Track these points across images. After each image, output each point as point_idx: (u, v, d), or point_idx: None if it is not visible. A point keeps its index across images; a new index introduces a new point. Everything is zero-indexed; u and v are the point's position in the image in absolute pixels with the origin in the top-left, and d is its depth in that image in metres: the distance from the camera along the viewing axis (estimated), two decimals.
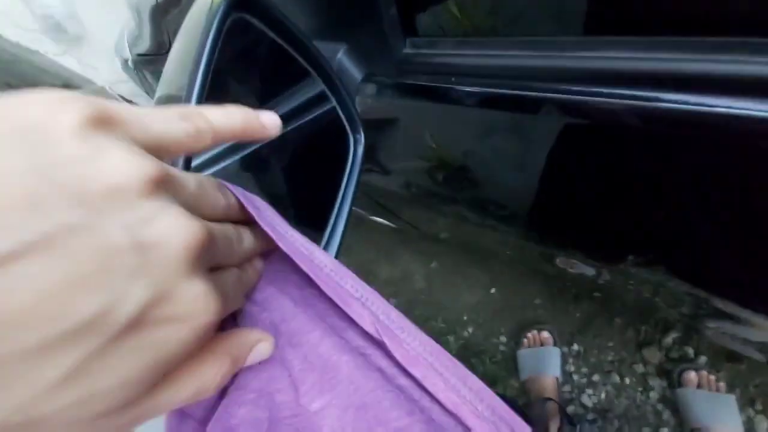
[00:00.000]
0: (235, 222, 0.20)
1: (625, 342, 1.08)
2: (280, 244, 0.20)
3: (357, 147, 0.45)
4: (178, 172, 0.15)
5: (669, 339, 1.04)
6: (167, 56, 0.91)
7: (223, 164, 0.43)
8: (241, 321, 0.21)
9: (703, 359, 1.00)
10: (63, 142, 0.12)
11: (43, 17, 1.25)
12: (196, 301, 0.14)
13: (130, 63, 1.06)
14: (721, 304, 0.53)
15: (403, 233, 1.37)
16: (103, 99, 0.14)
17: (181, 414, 0.19)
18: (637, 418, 1.01)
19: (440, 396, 0.18)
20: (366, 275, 1.42)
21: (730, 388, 0.94)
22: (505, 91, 0.40)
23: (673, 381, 0.99)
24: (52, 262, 0.11)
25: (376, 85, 0.52)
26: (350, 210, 0.43)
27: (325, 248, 0.41)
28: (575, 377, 1.08)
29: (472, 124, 0.51)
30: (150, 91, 1.18)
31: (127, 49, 1.06)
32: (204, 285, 0.14)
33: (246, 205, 0.20)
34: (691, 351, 1.02)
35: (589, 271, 0.70)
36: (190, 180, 0.16)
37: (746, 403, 0.94)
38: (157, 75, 1.00)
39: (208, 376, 0.16)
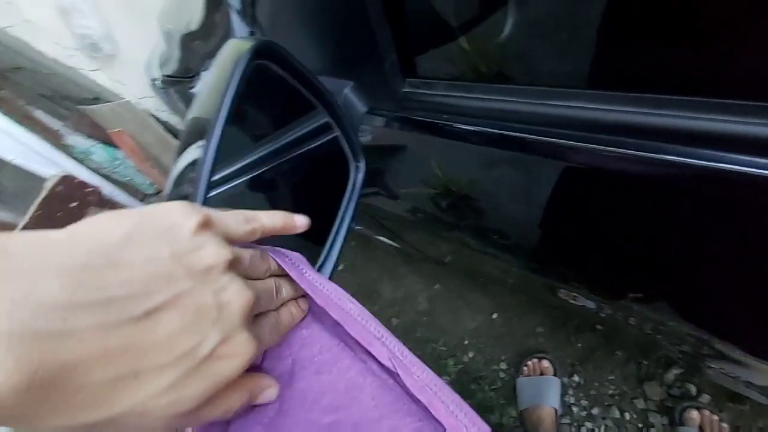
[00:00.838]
0: (278, 275, 0.27)
1: (626, 376, 1.08)
2: (315, 298, 0.26)
3: (357, 173, 0.49)
4: (240, 252, 0.23)
5: (671, 375, 1.04)
6: (192, 79, 0.97)
7: (236, 182, 0.47)
8: (268, 358, 0.27)
9: (705, 397, 0.99)
10: (186, 238, 0.20)
11: (81, 36, 1.34)
12: (244, 344, 0.21)
13: (158, 82, 1.12)
14: (722, 346, 0.54)
15: (407, 254, 1.39)
16: (206, 209, 0.22)
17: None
18: None
19: (442, 419, 0.22)
20: (370, 294, 1.44)
21: (734, 430, 0.93)
22: (488, 130, 0.43)
23: (675, 419, 0.97)
24: (175, 314, 0.18)
25: (378, 117, 0.56)
26: (348, 229, 0.47)
27: (324, 262, 0.44)
28: (575, 409, 1.07)
29: (474, 156, 0.54)
30: (174, 108, 1.24)
31: (157, 69, 1.12)
32: (249, 334, 0.21)
33: (283, 266, 0.27)
34: (693, 388, 1.01)
35: (591, 304, 0.71)
36: (246, 256, 0.24)
37: None
38: (181, 94, 1.06)
39: (233, 401, 0.22)
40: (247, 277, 0.23)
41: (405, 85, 0.52)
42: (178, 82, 1.02)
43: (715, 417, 0.93)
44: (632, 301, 0.55)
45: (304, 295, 0.28)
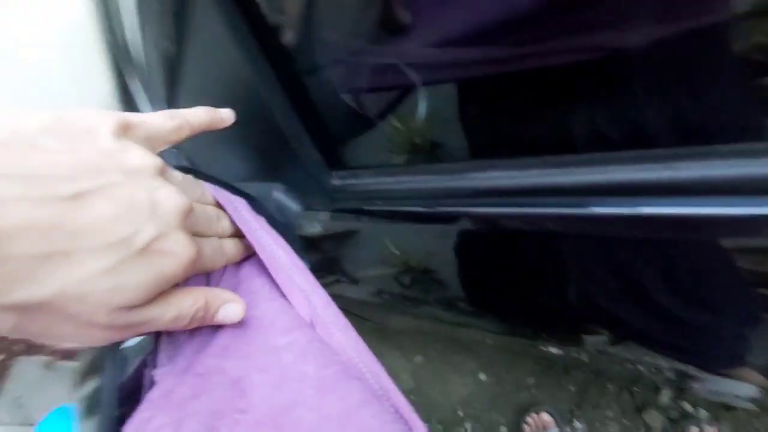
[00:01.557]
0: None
1: (623, 409, 1.06)
2: (247, 235, 0.26)
3: None
4: (172, 169, 0.24)
5: (664, 398, 1.03)
6: None
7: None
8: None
9: (703, 413, 0.99)
10: (107, 139, 0.19)
11: None
12: (181, 245, 0.20)
13: None
14: (693, 370, 0.55)
15: (381, 330, 1.34)
16: (123, 113, 0.22)
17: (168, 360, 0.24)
18: None
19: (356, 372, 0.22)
20: None
21: None
22: (418, 208, 0.45)
23: None
24: (106, 201, 0.18)
25: (315, 212, 0.56)
26: None
27: None
28: None
29: (424, 230, 0.55)
30: None
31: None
32: (187, 236, 0.21)
33: (218, 197, 0.27)
34: (689, 406, 1.01)
35: (570, 352, 0.71)
36: (178, 174, 0.24)
37: None
38: None
39: (186, 304, 0.21)
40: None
41: (333, 177, 0.53)
42: None
43: (713, 428, 0.93)
44: (600, 344, 0.56)
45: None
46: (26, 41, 1.37)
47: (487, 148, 0.42)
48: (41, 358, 1.46)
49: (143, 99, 0.64)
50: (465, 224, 0.46)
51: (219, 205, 0.27)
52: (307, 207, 0.57)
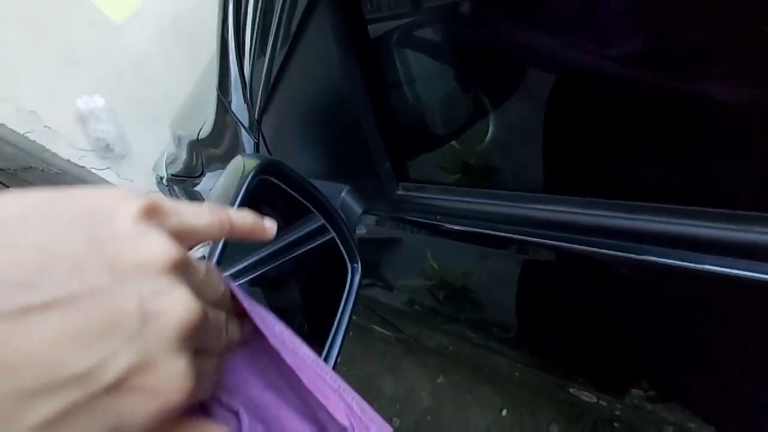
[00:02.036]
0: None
1: None
2: (269, 337, 0.22)
3: (354, 275, 0.50)
4: (194, 259, 0.18)
5: None
6: (196, 178, 1.02)
7: (237, 282, 0.47)
8: (210, 408, 0.21)
9: None
10: (120, 224, 0.15)
11: (97, 139, 1.44)
12: (175, 379, 0.14)
13: (164, 180, 1.18)
14: None
15: (408, 344, 1.34)
16: (156, 195, 0.18)
17: None
18: None
19: None
20: (369, 389, 1.35)
21: None
22: (480, 230, 0.45)
23: None
24: (69, 317, 0.13)
25: (374, 217, 0.58)
26: (347, 329, 0.46)
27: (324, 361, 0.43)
28: None
29: (468, 249, 0.55)
30: None
31: (164, 169, 1.19)
32: (186, 364, 0.15)
33: (239, 297, 0.22)
34: None
35: (603, 402, 0.67)
36: (201, 266, 0.19)
37: None
38: (184, 191, 1.11)
39: None
40: (199, 294, 0.17)
41: (399, 188, 0.55)
42: (182, 180, 1.08)
43: None
44: (642, 399, 0.52)
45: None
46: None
47: (555, 181, 0.42)
48: None
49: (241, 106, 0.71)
50: (523, 252, 0.45)
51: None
52: (368, 211, 0.60)
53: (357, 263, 0.49)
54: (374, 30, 0.46)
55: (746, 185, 0.30)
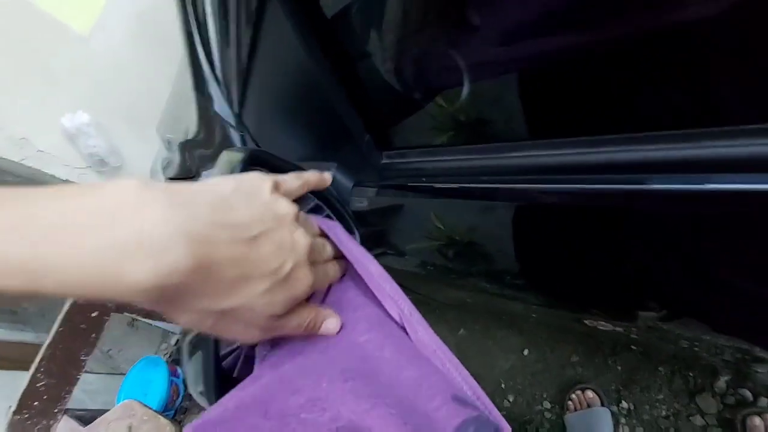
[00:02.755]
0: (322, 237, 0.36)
1: (675, 392, 1.03)
2: (346, 255, 0.34)
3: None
4: (301, 212, 0.31)
5: (722, 383, 0.99)
6: (192, 179, 1.03)
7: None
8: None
9: (764, 401, 0.94)
10: (266, 195, 0.28)
11: (90, 155, 1.44)
12: (306, 274, 0.28)
13: None
14: (763, 353, 0.53)
15: (426, 304, 1.39)
16: (272, 174, 0.31)
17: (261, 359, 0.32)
18: None
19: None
20: None
21: None
22: (465, 185, 0.48)
23: (737, 430, 0.92)
24: (268, 241, 0.26)
25: (365, 188, 0.60)
26: None
27: None
28: None
29: (467, 205, 0.57)
30: None
31: (160, 173, 1.20)
32: (309, 267, 0.29)
33: (325, 229, 0.35)
34: (748, 393, 0.96)
35: (619, 328, 0.70)
36: (303, 215, 0.32)
37: None
38: None
39: (303, 316, 0.29)
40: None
41: (383, 157, 0.57)
42: (180, 182, 1.09)
43: None
44: (653, 320, 0.55)
45: (340, 257, 0.36)
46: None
47: (544, 125, 0.43)
48: (126, 316, 1.67)
49: (219, 97, 0.72)
50: (515, 200, 0.47)
51: (322, 233, 0.36)
52: (358, 183, 0.62)
53: (355, 233, 0.52)
54: (329, 6, 0.45)
55: (731, 98, 0.31)
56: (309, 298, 0.32)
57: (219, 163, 0.41)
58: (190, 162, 0.98)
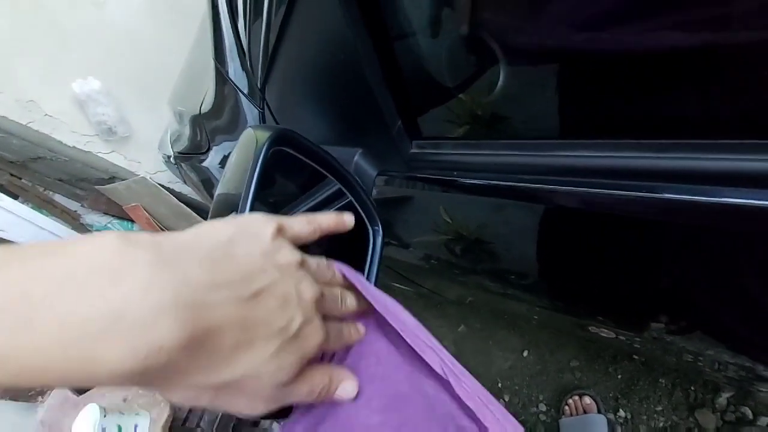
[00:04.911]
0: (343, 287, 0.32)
1: (675, 405, 1.01)
2: (376, 305, 0.30)
3: (376, 237, 0.50)
4: (308, 257, 0.28)
5: (722, 399, 0.97)
6: (203, 154, 1.02)
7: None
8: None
9: (764, 420, 0.92)
10: (268, 241, 0.24)
11: (98, 123, 1.43)
12: (318, 328, 0.25)
13: (171, 159, 1.18)
14: (765, 371, 0.52)
15: (428, 298, 1.37)
16: (277, 217, 0.27)
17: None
18: None
19: (489, 425, 0.26)
20: None
21: None
22: (498, 182, 0.45)
23: None
24: (271, 296, 0.22)
25: (389, 177, 0.58)
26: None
27: None
28: None
29: (483, 202, 0.55)
30: (186, 179, 1.29)
31: (169, 147, 1.19)
32: (320, 321, 0.25)
33: (348, 274, 0.31)
34: (749, 411, 0.94)
35: (622, 336, 0.68)
36: (313, 261, 0.29)
37: None
38: (192, 167, 1.11)
39: (315, 381, 0.26)
40: (316, 279, 0.27)
41: (412, 146, 0.54)
42: (189, 157, 1.08)
43: None
44: (660, 332, 0.53)
45: (363, 314, 0.32)
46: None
47: (572, 127, 0.40)
48: None
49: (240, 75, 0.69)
50: (537, 201, 0.45)
51: (346, 282, 0.31)
52: (382, 173, 0.59)
53: (378, 225, 0.50)
54: None
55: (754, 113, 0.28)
56: (323, 357, 0.29)
57: (242, 141, 0.39)
58: (201, 137, 0.96)
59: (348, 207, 0.51)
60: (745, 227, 0.33)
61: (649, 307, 0.50)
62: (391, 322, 0.28)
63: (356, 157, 0.55)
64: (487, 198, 0.50)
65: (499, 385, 1.20)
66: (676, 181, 0.33)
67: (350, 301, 0.30)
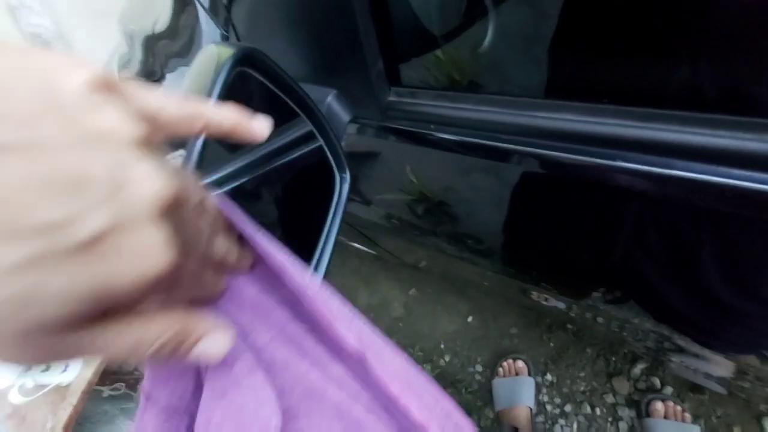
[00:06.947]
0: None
1: (596, 372, 1.12)
2: (267, 260, 0.22)
3: (342, 185, 0.48)
4: (166, 152, 0.17)
5: (637, 369, 1.08)
6: (156, 82, 0.93)
7: (217, 192, 0.45)
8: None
9: (669, 389, 1.04)
10: (69, 92, 0.13)
11: (32, 35, 1.26)
12: (155, 246, 0.14)
13: None
14: (681, 341, 0.57)
15: (383, 260, 1.39)
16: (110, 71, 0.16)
17: (145, 400, 0.21)
18: None
19: (414, 412, 0.21)
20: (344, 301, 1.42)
21: (695, 419, 0.98)
22: (476, 140, 0.43)
23: (641, 411, 1.02)
24: (35, 164, 0.12)
25: (362, 125, 0.55)
26: (335, 242, 0.45)
27: (314, 271, 0.43)
28: (548, 407, 1.10)
29: (451, 164, 0.54)
30: None
31: (116, 72, 1.07)
32: (166, 236, 0.14)
33: (229, 214, 0.22)
34: (657, 381, 1.06)
35: (561, 305, 0.73)
36: (174, 163, 0.17)
37: None
38: None
39: (149, 333, 0.16)
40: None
41: (390, 93, 0.51)
42: None
43: (678, 407, 0.98)
44: (598, 300, 0.57)
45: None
46: None
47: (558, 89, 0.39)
48: None
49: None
50: (517, 162, 0.44)
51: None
52: (355, 119, 0.56)
53: (346, 173, 0.48)
54: None
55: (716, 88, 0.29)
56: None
57: (200, 58, 0.34)
58: (154, 61, 0.87)
59: (315, 150, 0.48)
60: (689, 199, 0.34)
61: (593, 273, 0.52)
62: (290, 284, 0.22)
63: (329, 98, 0.52)
64: (457, 155, 0.49)
65: (442, 346, 1.26)
66: (635, 150, 0.34)
67: (224, 243, 0.21)
